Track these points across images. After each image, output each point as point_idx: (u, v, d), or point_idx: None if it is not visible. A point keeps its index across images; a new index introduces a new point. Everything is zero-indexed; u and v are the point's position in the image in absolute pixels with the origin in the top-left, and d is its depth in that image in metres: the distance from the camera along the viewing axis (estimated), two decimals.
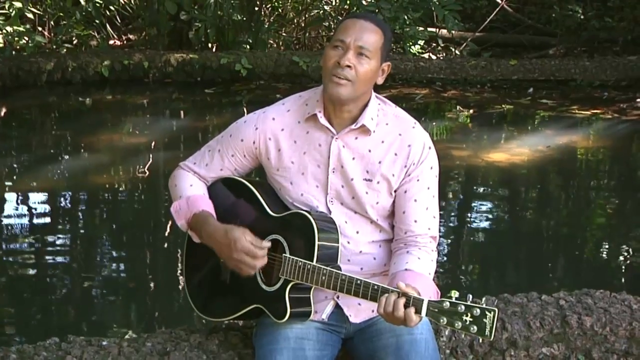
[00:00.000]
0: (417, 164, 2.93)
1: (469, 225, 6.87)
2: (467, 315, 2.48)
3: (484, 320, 2.46)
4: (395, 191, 2.95)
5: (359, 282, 2.70)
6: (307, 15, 13.89)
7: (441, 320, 2.51)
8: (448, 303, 2.50)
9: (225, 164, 3.09)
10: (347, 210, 2.97)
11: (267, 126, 3.01)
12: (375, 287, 2.66)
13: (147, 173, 7.81)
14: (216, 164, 3.10)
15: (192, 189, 3.09)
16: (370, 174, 2.93)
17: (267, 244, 2.87)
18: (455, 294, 2.54)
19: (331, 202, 2.96)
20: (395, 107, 3.03)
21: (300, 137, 2.98)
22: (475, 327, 2.47)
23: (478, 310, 2.47)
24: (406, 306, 2.55)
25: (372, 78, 2.88)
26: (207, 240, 2.97)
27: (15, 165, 8.34)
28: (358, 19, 2.88)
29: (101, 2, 12.62)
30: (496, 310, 2.47)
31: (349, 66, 2.80)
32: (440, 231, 3.02)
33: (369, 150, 2.94)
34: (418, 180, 2.93)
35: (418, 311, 2.54)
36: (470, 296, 2.50)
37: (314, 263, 2.78)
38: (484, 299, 2.49)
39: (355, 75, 2.82)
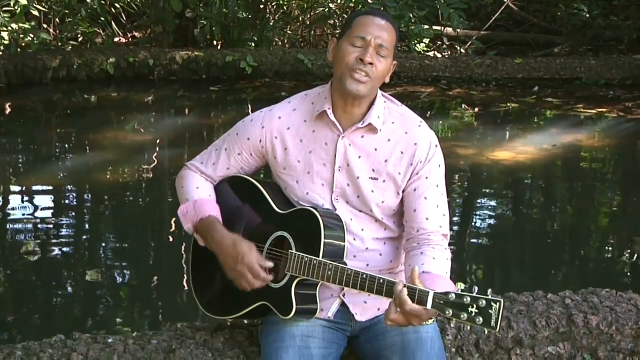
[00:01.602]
0: (425, 163, 2.93)
1: (474, 223, 6.87)
2: (472, 307, 2.47)
3: (490, 311, 2.46)
4: (403, 191, 2.95)
5: (364, 276, 2.69)
6: (312, 14, 13.89)
7: (447, 312, 2.50)
8: (454, 295, 2.50)
9: (232, 162, 3.09)
10: (352, 209, 2.97)
11: (273, 125, 3.02)
12: (382, 280, 2.65)
13: (152, 170, 7.82)
14: (223, 162, 3.10)
15: (199, 191, 3.09)
16: (376, 173, 2.94)
17: (270, 264, 2.88)
18: (461, 286, 2.54)
19: (336, 200, 2.97)
20: (401, 106, 3.04)
21: (306, 136, 2.99)
22: (481, 319, 2.46)
23: (484, 302, 2.46)
24: (411, 299, 2.55)
25: (386, 76, 2.90)
26: (212, 247, 2.98)
27: (20, 163, 8.35)
28: (374, 16, 2.89)
29: None
30: (502, 301, 2.45)
31: (371, 63, 2.81)
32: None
33: (375, 149, 2.94)
34: (427, 178, 2.93)
35: (423, 303, 2.53)
36: (477, 288, 2.50)
37: (320, 259, 2.78)
38: (489, 290, 2.48)
39: (375, 72, 2.84)
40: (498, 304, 2.45)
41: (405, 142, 2.93)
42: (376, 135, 2.94)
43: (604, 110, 10.67)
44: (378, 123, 2.92)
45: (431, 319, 2.58)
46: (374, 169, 2.94)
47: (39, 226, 6.46)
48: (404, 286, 2.56)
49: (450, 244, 2.96)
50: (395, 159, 2.93)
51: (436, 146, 2.96)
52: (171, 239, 6.29)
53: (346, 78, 2.84)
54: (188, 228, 3.08)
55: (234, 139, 3.08)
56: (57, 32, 12.77)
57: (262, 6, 13.10)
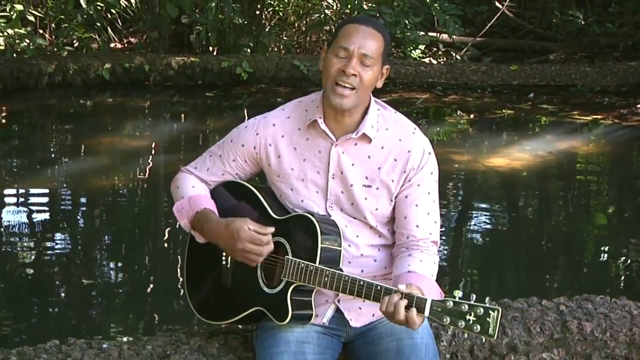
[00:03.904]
0: (417, 170, 2.93)
1: (469, 230, 6.87)
2: (470, 315, 2.48)
3: (488, 319, 2.47)
4: (395, 197, 2.95)
5: (362, 282, 2.70)
6: (308, 19, 13.90)
7: (444, 320, 2.51)
8: (451, 302, 2.51)
9: (226, 168, 3.10)
10: (346, 216, 2.97)
11: (267, 132, 3.02)
12: (379, 287, 2.66)
13: (148, 176, 7.82)
14: (218, 168, 3.11)
15: (194, 189, 3.09)
16: (369, 180, 2.94)
17: (270, 229, 2.87)
18: (458, 293, 2.54)
19: (331, 207, 2.97)
20: (395, 112, 3.04)
21: (300, 144, 2.99)
22: (478, 327, 2.48)
23: (482, 310, 2.47)
24: (409, 307, 2.56)
25: (374, 83, 2.89)
26: (209, 237, 2.97)
27: (15, 168, 8.34)
28: (359, 24, 2.87)
29: (102, 5, 12.62)
30: (499, 309, 2.47)
31: (354, 74, 2.81)
32: (440, 236, 3.02)
33: (369, 157, 2.94)
34: (419, 185, 2.93)
35: (421, 311, 2.54)
36: (474, 296, 2.51)
37: (317, 264, 2.79)
38: (487, 298, 2.49)
39: (360, 82, 2.83)
40: (496, 311, 2.47)
41: (399, 149, 2.94)
42: (370, 144, 2.94)
43: (599, 117, 10.69)
44: (372, 132, 2.93)
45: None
46: (367, 176, 2.94)
47: (34, 231, 6.46)
48: (402, 295, 2.57)
49: (444, 250, 2.98)
50: (389, 166, 2.93)
51: (429, 153, 2.96)
52: (166, 245, 6.29)
53: (330, 92, 2.84)
54: (184, 224, 3.07)
55: (228, 146, 3.08)
56: (53, 37, 12.76)
57: (257, 12, 13.10)
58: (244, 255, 2.86)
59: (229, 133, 3.13)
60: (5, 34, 11.87)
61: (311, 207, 2.97)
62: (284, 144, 3.00)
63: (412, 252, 2.89)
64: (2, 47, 11.84)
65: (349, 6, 12.67)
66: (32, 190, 7.46)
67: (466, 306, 2.49)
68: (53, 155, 8.87)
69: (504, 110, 11.12)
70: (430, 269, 2.87)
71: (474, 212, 7.41)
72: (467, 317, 2.49)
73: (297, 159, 2.99)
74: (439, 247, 3.00)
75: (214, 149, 3.15)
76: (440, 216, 3.02)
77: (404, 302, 2.56)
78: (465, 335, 3.29)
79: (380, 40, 2.86)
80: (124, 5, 13.20)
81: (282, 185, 3.02)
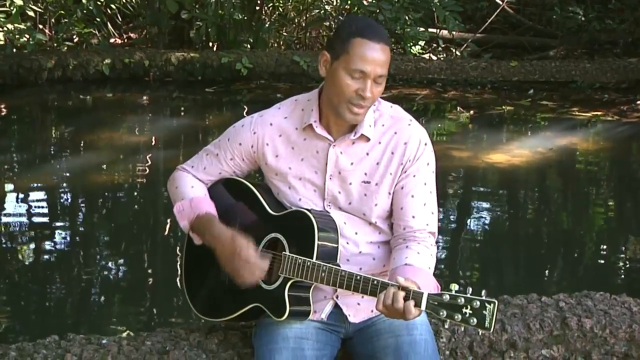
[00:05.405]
0: (413, 161, 2.92)
1: (468, 226, 6.87)
2: (466, 308, 2.49)
3: (484, 312, 2.47)
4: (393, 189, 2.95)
5: (358, 277, 2.70)
6: (308, 15, 13.90)
7: (441, 313, 2.51)
8: (448, 296, 2.51)
9: (224, 167, 3.10)
10: (344, 213, 2.97)
11: (265, 131, 3.01)
12: (375, 281, 2.66)
13: (147, 172, 7.82)
14: (215, 167, 3.11)
15: (194, 190, 3.09)
16: (368, 176, 2.94)
17: (267, 263, 2.86)
18: (455, 286, 2.54)
19: (329, 206, 2.97)
20: (391, 106, 3.02)
21: (297, 144, 2.99)
22: (475, 319, 2.48)
23: (478, 303, 2.48)
24: (406, 299, 2.56)
25: None
26: (210, 242, 2.96)
27: (15, 164, 8.34)
28: (371, 41, 2.78)
29: (102, 0, 12.62)
30: (496, 302, 2.47)
31: (369, 96, 2.80)
32: (439, 232, 3.02)
33: (367, 154, 2.94)
34: (414, 176, 2.92)
35: (418, 304, 2.54)
36: (470, 289, 2.51)
37: (314, 260, 2.79)
38: (483, 291, 2.48)
39: (373, 99, 2.84)
40: (492, 304, 2.47)
41: (395, 142, 2.93)
42: (367, 142, 2.94)
43: (599, 113, 10.68)
44: (369, 131, 2.92)
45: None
46: (367, 173, 2.94)
47: (33, 227, 6.45)
48: (399, 287, 2.57)
49: (444, 247, 2.98)
50: (387, 160, 2.93)
51: (425, 144, 2.95)
52: (166, 240, 6.29)
53: (344, 110, 2.83)
54: (184, 225, 3.07)
55: (225, 144, 3.08)
56: (53, 32, 12.75)
57: (257, 7, 13.10)
58: (235, 273, 2.86)
59: (225, 131, 3.13)
60: (5, 29, 11.85)
61: (309, 206, 2.97)
62: (281, 143, 3.00)
63: (409, 244, 2.89)
64: (2, 42, 11.81)
65: (349, 2, 12.66)
66: (32, 186, 7.45)
67: (462, 299, 2.49)
68: (52, 150, 8.86)
69: (503, 107, 11.10)
70: (428, 261, 2.87)
71: (473, 208, 7.41)
72: (464, 310, 2.49)
73: (295, 158, 2.98)
74: (437, 240, 2.99)
75: (210, 148, 3.14)
76: (438, 209, 3.01)
77: (402, 293, 2.57)
78: (462, 328, 3.29)
79: (388, 51, 2.83)
80: (124, 1, 13.19)
81: (279, 184, 3.02)
